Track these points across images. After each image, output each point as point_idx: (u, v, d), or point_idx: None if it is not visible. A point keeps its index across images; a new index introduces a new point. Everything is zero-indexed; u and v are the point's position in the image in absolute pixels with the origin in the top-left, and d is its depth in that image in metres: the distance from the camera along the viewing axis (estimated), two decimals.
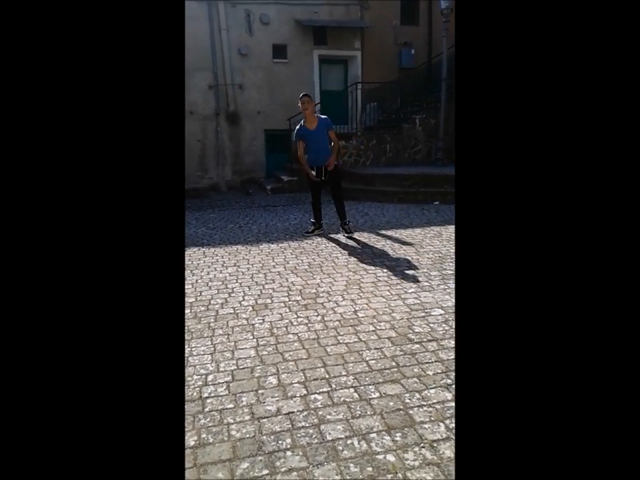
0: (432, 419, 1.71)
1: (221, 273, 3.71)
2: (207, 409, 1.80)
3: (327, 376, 2.03)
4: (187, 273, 3.73)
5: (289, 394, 1.89)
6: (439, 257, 4.01)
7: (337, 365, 2.13)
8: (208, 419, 1.73)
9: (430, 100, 9.83)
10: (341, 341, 2.38)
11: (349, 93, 9.91)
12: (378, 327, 2.55)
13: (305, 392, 1.90)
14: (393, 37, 10.67)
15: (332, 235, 4.98)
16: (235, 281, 3.47)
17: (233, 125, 10.06)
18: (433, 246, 4.39)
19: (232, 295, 3.17)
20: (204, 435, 1.64)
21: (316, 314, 2.77)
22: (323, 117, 4.85)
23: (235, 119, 10.03)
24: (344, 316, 2.73)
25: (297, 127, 4.90)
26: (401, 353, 2.24)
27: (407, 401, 1.83)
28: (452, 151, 9.17)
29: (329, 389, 1.92)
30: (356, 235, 4.93)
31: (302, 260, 4.04)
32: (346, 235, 4.91)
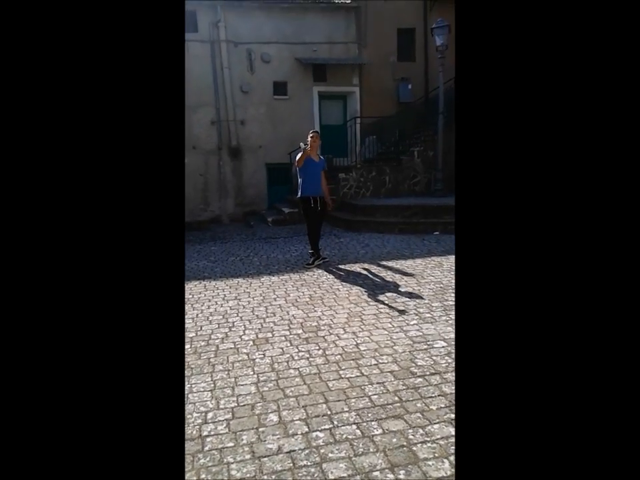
0: (436, 455, 1.67)
1: (221, 306, 3.70)
2: (206, 448, 1.76)
3: (329, 412, 2.00)
4: (188, 307, 3.72)
5: (290, 431, 1.86)
6: (441, 287, 4.00)
7: (338, 400, 2.10)
8: (207, 458, 1.69)
9: (428, 133, 10.02)
10: (342, 376, 2.35)
11: (348, 127, 10.13)
12: (380, 361, 2.52)
13: (307, 429, 1.87)
14: (390, 72, 10.98)
15: (333, 267, 4.99)
16: (235, 315, 3.46)
17: (235, 158, 10.24)
18: (434, 277, 4.39)
19: (232, 329, 3.15)
20: (203, 475, 1.60)
21: (317, 348, 2.75)
22: (322, 157, 5.33)
23: (237, 153, 10.22)
24: (345, 349, 2.70)
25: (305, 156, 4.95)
26: (404, 387, 2.21)
27: (411, 437, 1.79)
28: (451, 181, 9.30)
29: (331, 425, 1.89)
30: (357, 267, 4.94)
31: (303, 292, 4.03)
32: (308, 264, 5.09)
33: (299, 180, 5.14)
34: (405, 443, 1.75)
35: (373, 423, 1.90)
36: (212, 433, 1.87)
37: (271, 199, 10.44)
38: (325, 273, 4.74)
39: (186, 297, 4.01)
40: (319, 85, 10.57)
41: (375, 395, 2.14)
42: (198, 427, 1.91)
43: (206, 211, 10.16)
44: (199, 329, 3.18)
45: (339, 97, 11.04)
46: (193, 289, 4.27)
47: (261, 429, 1.88)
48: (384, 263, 5.09)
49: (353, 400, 2.10)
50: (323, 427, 1.88)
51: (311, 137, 5.06)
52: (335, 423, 1.91)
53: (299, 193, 5.15)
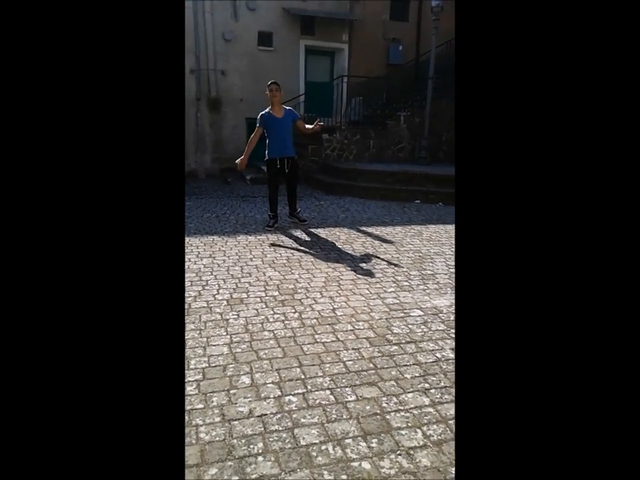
0: (409, 425, 1.66)
1: (195, 264, 3.59)
2: None
3: (303, 377, 1.96)
4: None
5: (262, 395, 1.81)
6: (419, 256, 3.98)
7: (313, 365, 2.06)
8: None
9: (416, 98, 9.81)
10: (318, 340, 2.31)
11: (334, 85, 9.80)
12: (356, 327, 2.49)
13: (280, 393, 1.83)
14: (381, 31, 10.59)
15: (312, 230, 4.90)
16: (209, 273, 3.36)
17: (214, 111, 9.83)
18: (413, 245, 4.36)
19: (206, 287, 3.06)
20: None
21: (293, 311, 2.69)
22: (288, 108, 4.83)
23: (217, 105, 9.80)
24: (322, 314, 2.66)
25: (262, 112, 4.74)
26: (379, 354, 2.18)
27: (384, 405, 1.77)
28: (436, 150, 9.20)
29: (304, 390, 1.85)
30: (336, 231, 4.87)
31: (280, 254, 3.95)
32: (300, 222, 5.07)
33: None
34: (378, 411, 1.73)
35: (347, 389, 1.88)
36: None
37: (251, 156, 10.14)
38: (304, 235, 4.66)
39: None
40: (307, 38, 10.12)
41: (349, 360, 2.11)
42: None
43: None
44: None
45: (327, 53, 10.63)
46: None
47: (232, 391, 1.83)
48: (364, 228, 5.04)
49: (328, 365, 2.06)
50: (296, 392, 1.84)
51: (270, 91, 4.62)
52: (309, 387, 1.87)
53: (266, 155, 4.83)
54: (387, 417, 1.70)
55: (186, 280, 3.20)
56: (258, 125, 4.76)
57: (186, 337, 2.30)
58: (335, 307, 2.77)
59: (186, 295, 2.92)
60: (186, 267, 3.51)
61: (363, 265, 3.67)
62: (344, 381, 1.93)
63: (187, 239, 4.35)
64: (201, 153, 9.93)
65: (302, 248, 4.16)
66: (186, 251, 3.95)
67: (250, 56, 9.73)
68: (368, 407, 1.75)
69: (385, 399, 1.81)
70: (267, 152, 4.85)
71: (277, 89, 4.62)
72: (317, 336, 2.36)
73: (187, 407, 1.71)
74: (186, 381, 1.90)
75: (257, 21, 9.62)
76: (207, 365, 2.03)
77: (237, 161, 4.90)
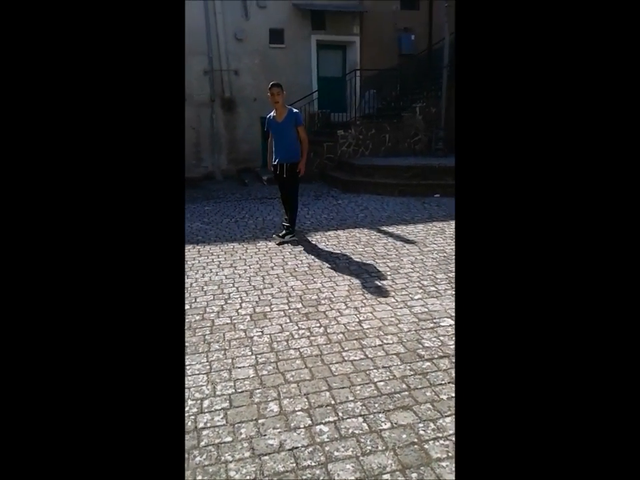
0: (449, 455, 1.56)
1: (216, 275, 3.54)
2: (202, 443, 1.64)
3: (333, 402, 1.88)
4: None
5: (292, 424, 1.74)
6: (444, 257, 3.86)
7: (342, 387, 1.98)
8: (204, 456, 1.57)
9: (431, 88, 9.57)
10: (346, 358, 2.23)
11: (347, 80, 9.64)
12: (385, 341, 2.39)
13: (310, 422, 1.75)
14: (392, 21, 10.35)
15: (332, 232, 4.81)
16: (231, 285, 3.30)
17: (228, 111, 9.77)
18: (437, 244, 4.24)
19: (229, 301, 3.00)
20: (200, 477, 1.49)
21: (318, 325, 2.61)
22: (294, 110, 4.40)
23: (231, 106, 9.74)
24: (348, 327, 2.57)
25: (268, 115, 4.54)
26: (411, 372, 2.09)
27: (421, 432, 1.68)
28: (453, 140, 8.97)
29: (336, 418, 1.77)
30: (356, 232, 4.77)
31: (301, 260, 3.87)
32: (277, 237, 4.45)
33: None
34: (415, 440, 1.64)
35: (380, 415, 1.79)
36: (208, 424, 1.74)
37: (266, 155, 10.07)
38: (324, 238, 4.57)
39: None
40: (318, 33, 9.96)
41: (381, 381, 2.02)
42: (193, 417, 1.79)
43: (199, 167, 9.81)
44: (193, 300, 3.03)
45: (338, 47, 10.45)
46: (187, 255, 4.08)
47: (260, 421, 1.76)
48: (384, 228, 4.92)
49: (358, 387, 1.98)
50: (327, 420, 1.76)
51: (271, 95, 4.24)
52: (340, 414, 1.79)
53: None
54: (426, 446, 1.61)
55: (208, 293, 3.15)
56: (265, 129, 4.65)
57: (211, 358, 2.25)
58: (361, 318, 2.68)
59: (209, 309, 2.87)
60: (208, 278, 3.46)
61: (387, 269, 3.57)
62: (376, 405, 1.85)
63: (207, 247, 4.31)
64: (217, 154, 9.90)
65: (323, 253, 4.07)
66: (207, 260, 3.91)
67: (262, 54, 9.63)
68: (404, 436, 1.66)
69: (421, 425, 1.72)
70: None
71: (277, 92, 4.22)
72: (344, 353, 2.27)
73: (216, 441, 1.65)
74: (213, 409, 1.84)
75: (268, 18, 9.50)
76: (234, 390, 1.97)
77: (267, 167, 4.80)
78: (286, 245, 4.34)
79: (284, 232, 4.50)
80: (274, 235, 4.55)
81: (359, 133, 8.78)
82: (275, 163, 4.49)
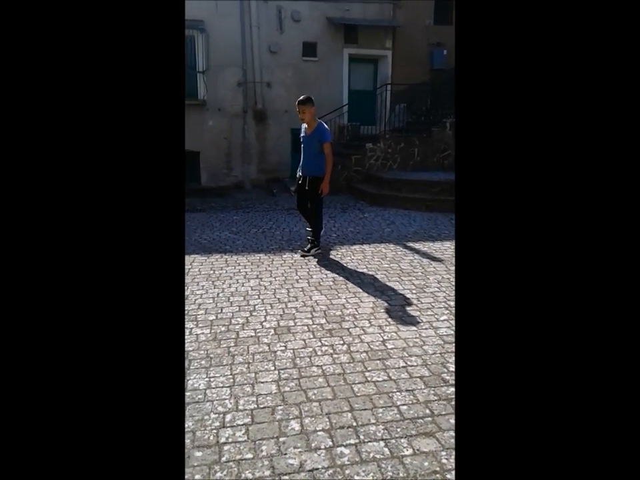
0: None
1: (243, 285, 3.58)
2: (224, 458, 1.65)
3: (355, 423, 1.86)
4: (209, 284, 3.61)
5: (313, 444, 1.73)
6: None
7: (364, 409, 1.96)
8: (225, 472, 1.59)
9: None
10: (368, 378, 2.21)
11: (377, 93, 9.67)
12: (409, 363, 2.37)
13: (331, 443, 1.74)
14: (425, 36, 10.36)
15: (357, 246, 4.81)
16: (257, 297, 3.33)
17: (259, 123, 9.94)
18: None
19: (254, 313, 3.03)
20: None
21: (341, 342, 2.61)
22: (324, 126, 4.35)
23: (262, 117, 9.91)
24: (371, 346, 2.55)
25: (300, 126, 4.62)
26: (435, 397, 2.05)
27: (444, 461, 1.65)
28: None
29: (357, 440, 1.76)
30: (382, 247, 4.74)
31: (326, 274, 3.87)
32: (302, 251, 4.47)
33: None
34: (437, 469, 1.61)
35: (402, 440, 1.77)
36: (230, 439, 1.76)
37: (295, 166, 10.15)
38: (350, 253, 4.57)
39: (207, 272, 3.90)
40: (350, 47, 10.06)
41: (404, 405, 2.00)
42: (216, 431, 1.80)
43: (229, 175, 9.99)
44: (219, 311, 3.07)
45: (370, 61, 10.52)
46: (214, 264, 4.15)
47: (281, 439, 1.76)
48: (410, 244, 4.88)
49: (380, 410, 1.96)
50: (348, 442, 1.75)
51: (298, 111, 4.27)
52: (361, 437, 1.78)
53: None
54: (448, 476, 1.58)
55: (234, 304, 3.19)
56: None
57: (234, 371, 2.27)
58: (385, 338, 2.66)
59: (234, 321, 2.90)
60: (234, 289, 3.51)
61: (413, 287, 3.54)
62: (399, 430, 1.83)
63: (235, 257, 4.37)
64: (247, 164, 10.06)
65: (348, 267, 4.07)
66: (234, 270, 3.96)
67: (294, 67, 9.78)
68: (426, 464, 1.64)
69: (444, 453, 1.69)
70: None
71: (301, 109, 4.23)
72: (367, 373, 2.26)
73: (237, 457, 1.66)
74: (235, 424, 1.85)
75: (302, 32, 9.66)
76: (256, 405, 1.98)
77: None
78: (311, 259, 4.36)
79: (309, 246, 4.52)
80: (299, 251, 4.57)
81: (387, 146, 8.78)
82: (298, 175, 4.61)
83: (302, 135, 4.50)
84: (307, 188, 4.44)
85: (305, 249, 4.50)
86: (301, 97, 4.32)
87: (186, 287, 3.51)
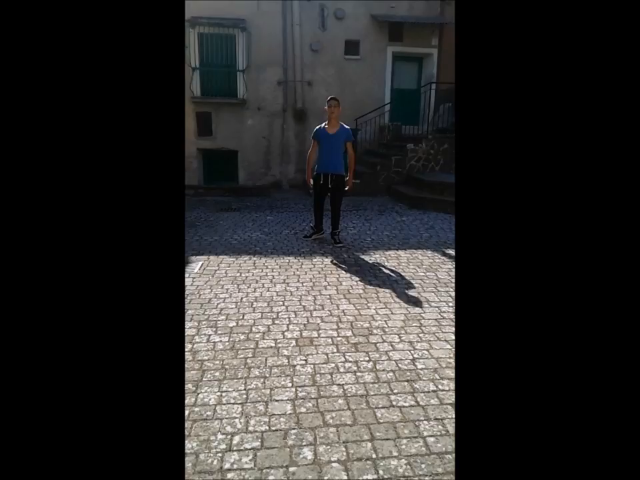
0: None
1: (268, 290, 3.44)
2: None
3: (374, 455, 1.67)
4: (234, 287, 3.50)
5: (326, 478, 1.55)
6: None
7: (387, 439, 1.76)
8: None
9: None
10: (394, 403, 2.00)
11: (422, 92, 9.34)
12: (440, 387, 2.14)
13: (346, 478, 1.56)
14: None
15: (392, 251, 4.58)
16: (281, 303, 3.18)
17: (299, 122, 9.83)
18: None
19: (276, 321, 2.88)
20: None
21: (367, 358, 2.41)
22: (346, 126, 4.76)
23: (302, 116, 9.79)
24: (400, 365, 2.34)
25: (317, 126, 4.85)
26: None
27: None
28: None
29: (375, 476, 1.56)
30: (419, 254, 4.49)
31: (356, 281, 3.68)
32: (335, 244, 4.77)
33: None
34: None
35: (426, 479, 1.56)
36: (235, 466, 1.60)
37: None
38: (383, 258, 4.34)
39: (234, 274, 3.80)
40: (394, 45, 9.76)
41: (431, 436, 1.78)
42: (220, 454, 1.66)
43: (267, 175, 9.94)
44: (241, 317, 2.94)
45: (415, 59, 10.18)
46: (242, 266, 4.05)
47: (291, 469, 1.59)
48: (450, 252, 4.60)
49: (404, 441, 1.75)
50: (365, 477, 1.56)
51: (328, 107, 4.63)
52: (381, 472, 1.58)
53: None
54: None
55: (257, 310, 3.06)
56: (312, 139, 4.85)
57: (249, 386, 2.12)
58: (415, 356, 2.44)
59: (255, 329, 2.76)
60: (259, 293, 3.38)
61: (449, 299, 3.28)
62: (423, 466, 1.62)
63: (263, 260, 4.25)
64: (285, 164, 9.98)
65: (380, 274, 3.85)
66: (261, 274, 3.84)
67: (336, 66, 9.60)
68: None
69: None
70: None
71: (335, 105, 4.62)
72: (392, 397, 2.05)
73: None
74: (242, 447, 1.70)
75: (345, 29, 9.46)
76: (267, 427, 1.82)
77: (307, 182, 5.10)
78: (342, 264, 4.18)
79: (311, 232, 5.03)
80: (330, 252, 4.42)
81: (430, 147, 8.46)
82: (319, 173, 4.78)
83: (323, 133, 4.68)
84: (330, 185, 4.73)
85: (308, 234, 5.05)
86: (332, 96, 4.75)
87: (210, 290, 3.41)
